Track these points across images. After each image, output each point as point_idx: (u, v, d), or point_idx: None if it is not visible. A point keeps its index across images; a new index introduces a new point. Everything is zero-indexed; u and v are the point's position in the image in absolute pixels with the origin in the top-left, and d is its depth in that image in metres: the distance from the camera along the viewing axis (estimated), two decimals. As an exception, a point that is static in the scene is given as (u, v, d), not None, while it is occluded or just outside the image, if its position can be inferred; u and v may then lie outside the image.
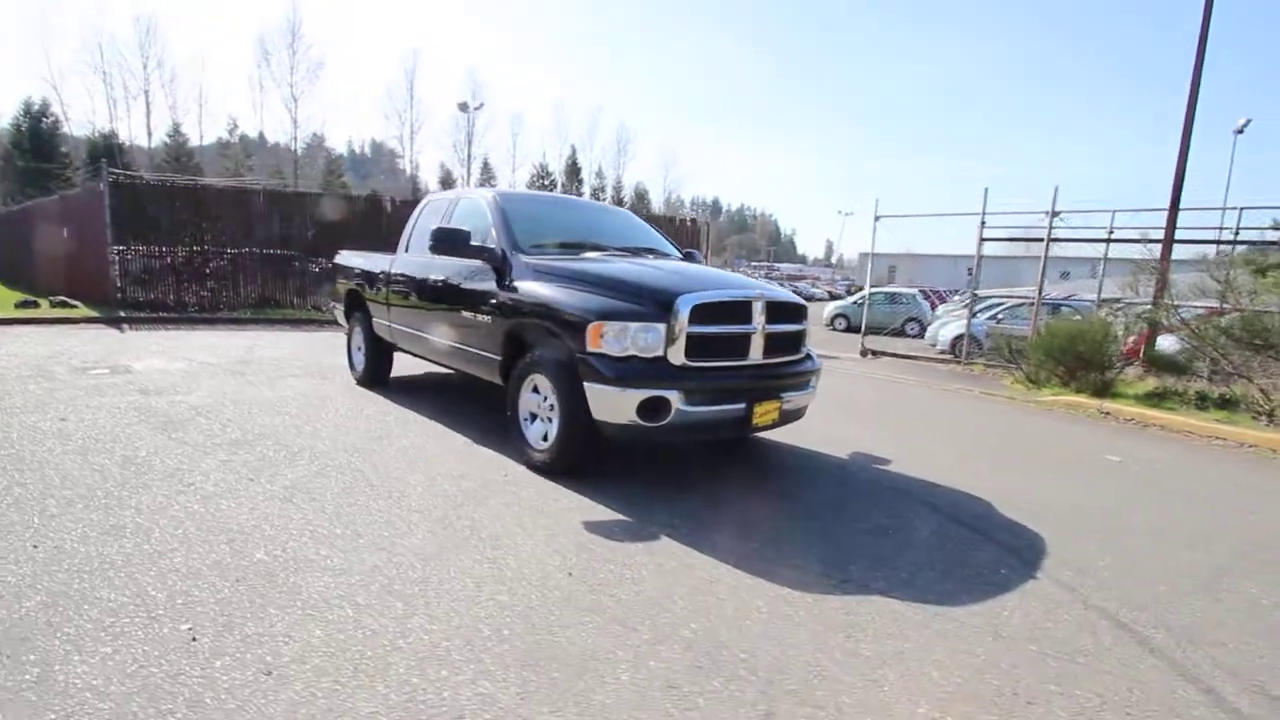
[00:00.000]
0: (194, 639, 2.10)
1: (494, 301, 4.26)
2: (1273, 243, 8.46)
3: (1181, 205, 9.64)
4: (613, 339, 3.51)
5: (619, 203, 55.45)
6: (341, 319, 7.09)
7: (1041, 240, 11.50)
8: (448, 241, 4.37)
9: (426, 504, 3.37)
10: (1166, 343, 8.65)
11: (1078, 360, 7.67)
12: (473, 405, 5.83)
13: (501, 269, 4.32)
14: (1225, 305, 7.87)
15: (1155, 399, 7.06)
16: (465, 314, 4.55)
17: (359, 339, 6.56)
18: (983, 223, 11.68)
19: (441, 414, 5.36)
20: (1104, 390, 7.57)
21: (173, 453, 4.01)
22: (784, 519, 3.45)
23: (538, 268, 4.13)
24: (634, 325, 3.50)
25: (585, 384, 3.58)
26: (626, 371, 3.48)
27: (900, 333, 18.89)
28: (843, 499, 3.82)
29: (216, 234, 13.27)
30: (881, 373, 10.51)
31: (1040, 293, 10.15)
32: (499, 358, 4.27)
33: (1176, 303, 8.16)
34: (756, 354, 3.86)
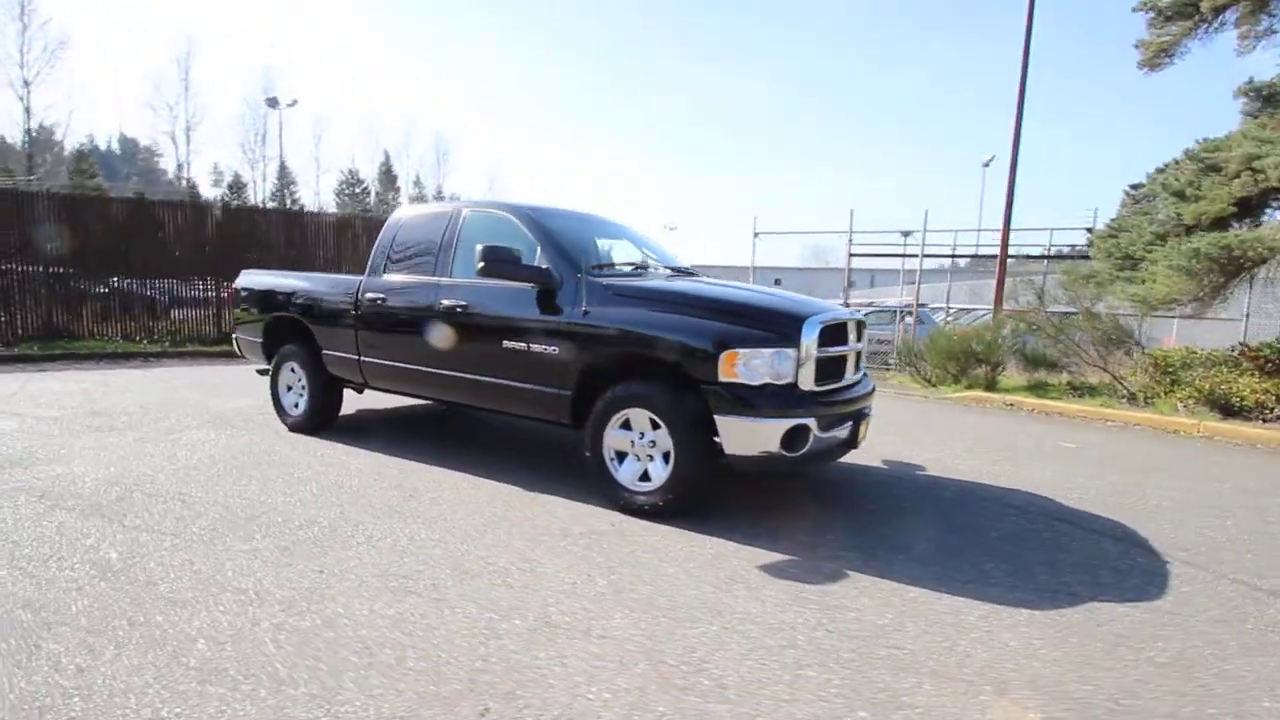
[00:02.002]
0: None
1: (563, 329, 3.76)
2: (1084, 256, 10.48)
3: (1009, 226, 11.57)
4: (746, 367, 3.28)
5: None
6: (256, 354, 5.84)
7: (899, 255, 13.07)
8: (498, 261, 3.78)
9: (571, 573, 2.86)
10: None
11: (970, 359, 8.82)
12: (471, 443, 5.13)
13: (561, 292, 3.83)
14: (1038, 307, 9.57)
15: (1038, 390, 8.35)
16: (513, 345, 3.96)
17: (293, 377, 5.45)
18: (850, 239, 13.00)
19: (443, 457, 4.62)
20: (991, 385, 8.78)
21: (158, 549, 2.97)
22: (919, 537, 3.46)
23: (620, 290, 3.74)
24: (768, 351, 3.30)
25: (717, 416, 3.30)
26: (764, 400, 3.28)
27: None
28: (940, 508, 3.95)
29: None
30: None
31: (916, 302, 11.51)
32: (569, 393, 3.79)
33: (1008, 308, 9.79)
34: (849, 374, 3.86)
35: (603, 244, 4.65)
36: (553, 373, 3.82)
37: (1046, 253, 11.69)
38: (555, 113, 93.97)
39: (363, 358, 4.86)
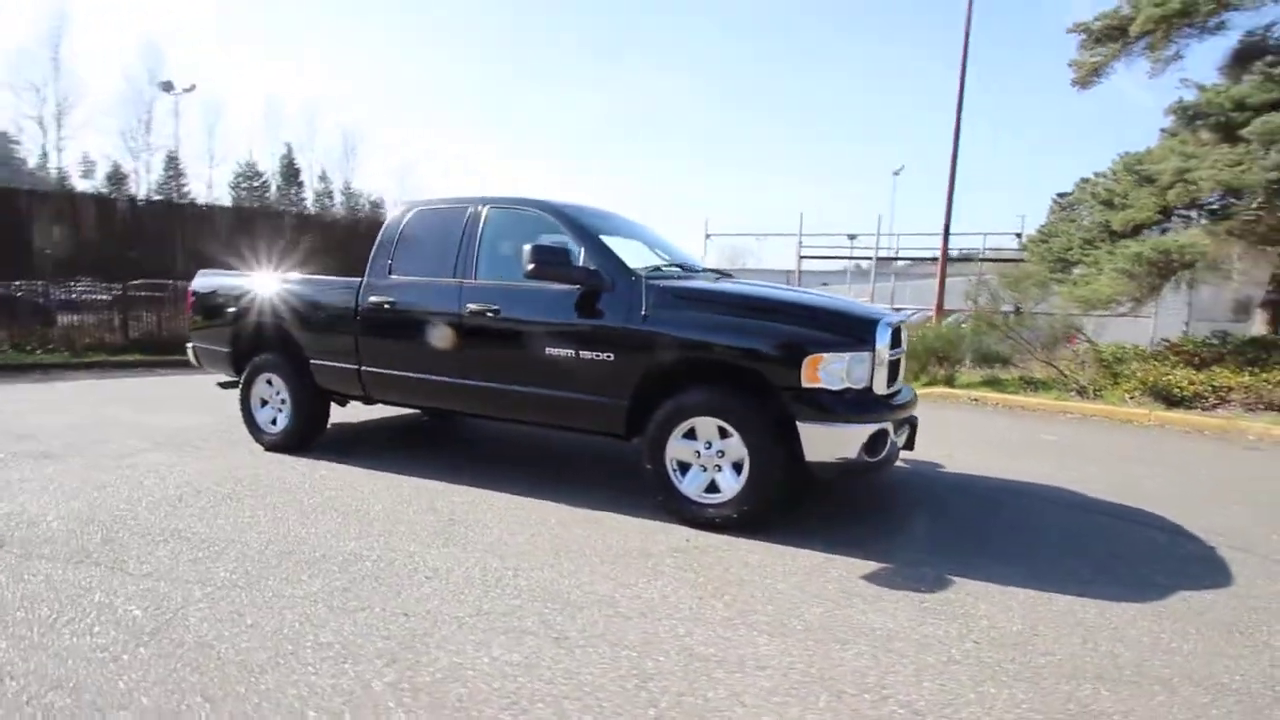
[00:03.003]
0: None
1: (621, 335, 3.53)
2: (1018, 259, 11.24)
3: (947, 231, 12.23)
4: (828, 372, 3.19)
5: (352, 212, 49.86)
6: (220, 366, 5.21)
7: (846, 258, 13.53)
8: (550, 263, 3.51)
9: (680, 597, 2.67)
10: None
11: (930, 356, 9.22)
12: (477, 456, 4.80)
13: (612, 294, 3.61)
14: (994, 307, 10.21)
15: (994, 385, 8.85)
16: (558, 352, 3.69)
17: (269, 390, 4.89)
18: (800, 243, 13.35)
19: (459, 474, 4.25)
20: (950, 381, 9.22)
21: (189, 601, 2.53)
22: (986, 536, 3.47)
23: (679, 293, 3.56)
24: (848, 355, 3.23)
25: (800, 423, 3.20)
26: (845, 406, 3.21)
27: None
28: (982, 505, 4.02)
29: None
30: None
31: (871, 303, 11.92)
32: (625, 402, 3.57)
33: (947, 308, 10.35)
34: (899, 378, 3.87)
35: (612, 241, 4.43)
36: (607, 381, 3.58)
37: (980, 256, 12.49)
38: (474, 112, 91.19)
39: (365, 367, 4.42)
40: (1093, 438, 6.43)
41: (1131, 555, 3.28)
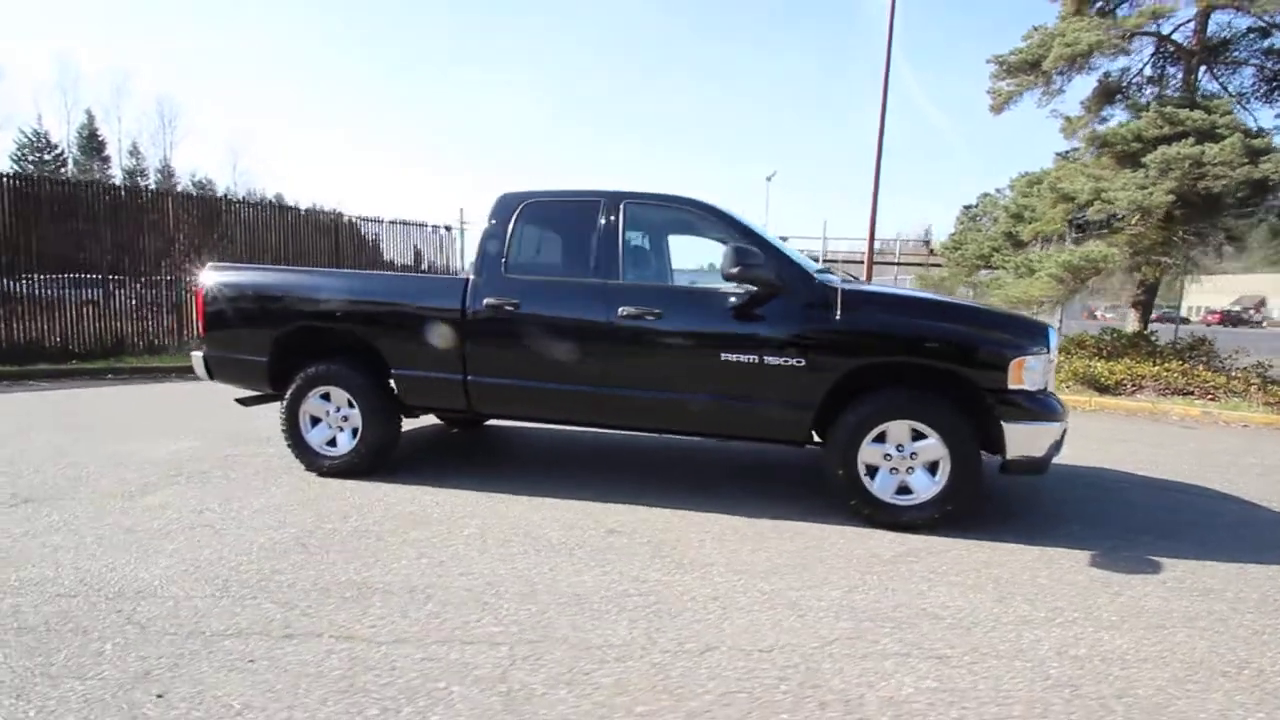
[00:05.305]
0: None
1: (814, 340, 3.46)
2: (935, 264, 12.50)
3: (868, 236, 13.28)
4: (1028, 373, 3.37)
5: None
6: (249, 379, 4.38)
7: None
8: (749, 265, 3.36)
9: (990, 607, 2.68)
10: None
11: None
12: (575, 466, 4.43)
13: (791, 297, 3.51)
14: None
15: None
16: (738, 358, 3.51)
17: (325, 406, 4.19)
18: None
19: (585, 489, 3.93)
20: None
21: (517, 665, 2.13)
22: (1122, 519, 3.78)
23: (867, 297, 3.56)
24: (1038, 357, 3.43)
25: (1006, 423, 3.34)
26: (1040, 405, 3.40)
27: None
28: (1090, 491, 4.42)
29: None
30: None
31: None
32: (812, 408, 3.51)
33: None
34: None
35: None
36: (797, 387, 3.49)
37: (898, 260, 13.76)
38: (313, 90, 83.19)
39: (473, 377, 3.92)
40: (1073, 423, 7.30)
41: (1237, 524, 3.81)
